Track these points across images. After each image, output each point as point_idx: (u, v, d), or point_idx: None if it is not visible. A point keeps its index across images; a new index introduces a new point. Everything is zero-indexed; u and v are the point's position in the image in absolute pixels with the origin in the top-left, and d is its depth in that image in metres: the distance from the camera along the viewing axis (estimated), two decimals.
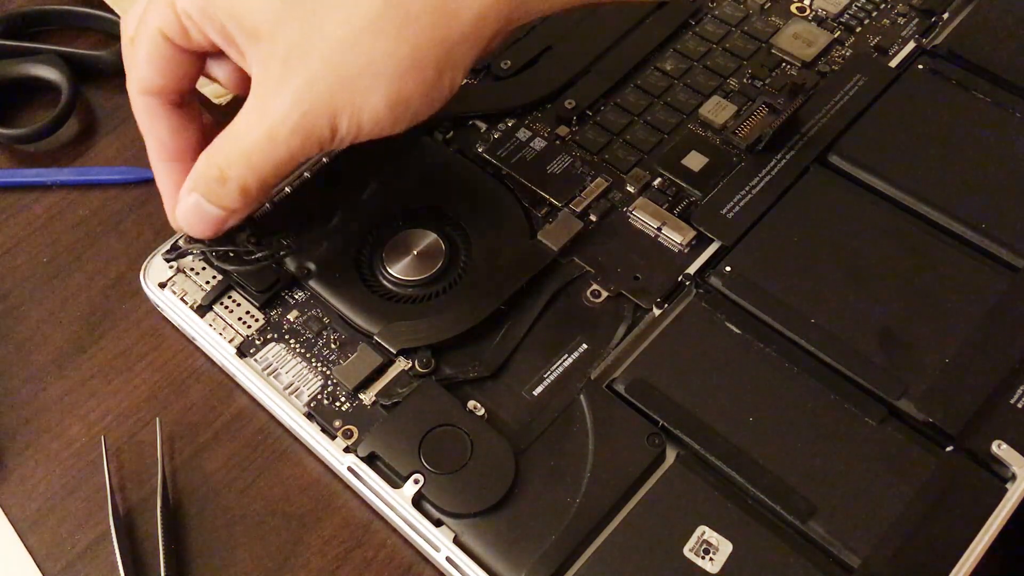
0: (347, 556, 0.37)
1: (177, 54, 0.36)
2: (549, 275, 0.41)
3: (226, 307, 0.41)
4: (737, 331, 0.39)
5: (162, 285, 0.42)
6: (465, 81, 0.48)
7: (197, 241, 0.42)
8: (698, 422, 0.37)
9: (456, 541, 0.35)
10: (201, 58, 0.37)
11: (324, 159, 0.45)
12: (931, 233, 0.42)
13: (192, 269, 0.42)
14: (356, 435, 0.38)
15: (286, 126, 0.33)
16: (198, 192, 0.36)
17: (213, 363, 0.41)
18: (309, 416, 0.38)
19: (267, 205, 0.43)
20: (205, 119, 0.39)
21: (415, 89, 0.33)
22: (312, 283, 0.41)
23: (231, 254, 0.41)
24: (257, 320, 0.41)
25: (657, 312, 0.40)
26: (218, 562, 0.37)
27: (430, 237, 0.42)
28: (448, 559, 0.35)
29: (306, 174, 0.44)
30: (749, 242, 0.42)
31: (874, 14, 0.51)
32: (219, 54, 0.37)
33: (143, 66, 0.37)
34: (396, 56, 0.32)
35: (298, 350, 0.40)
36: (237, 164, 0.35)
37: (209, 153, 0.36)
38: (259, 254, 0.41)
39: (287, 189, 0.44)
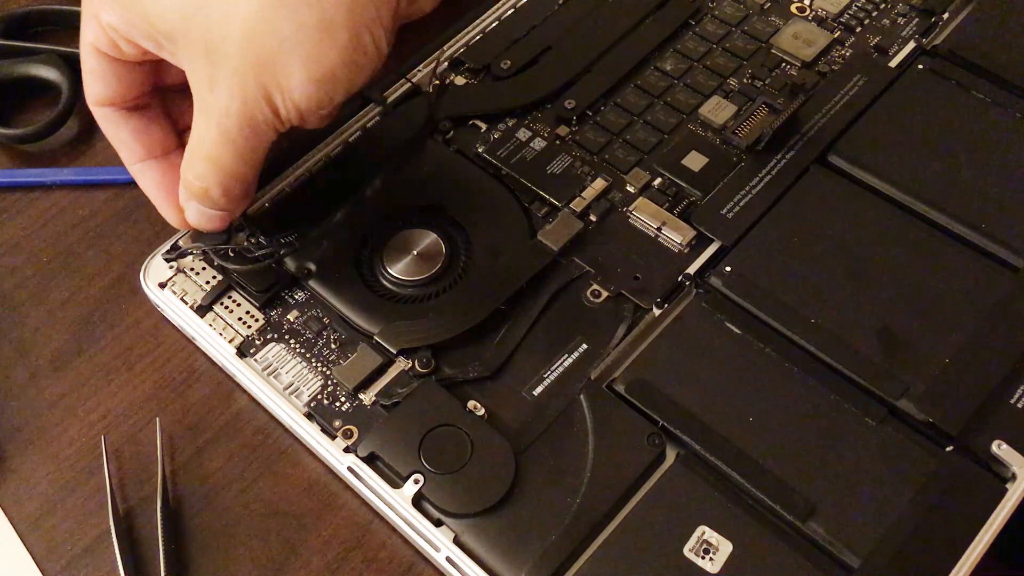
0: (347, 556, 0.37)
1: (116, 66, 0.37)
2: (549, 275, 0.41)
3: (226, 307, 0.41)
4: (737, 331, 0.39)
5: (162, 285, 0.42)
6: (465, 81, 0.48)
7: (197, 241, 0.42)
8: (698, 422, 0.37)
9: (456, 541, 0.35)
10: (147, 66, 0.37)
11: (324, 159, 0.45)
12: (931, 233, 0.42)
13: (192, 269, 0.42)
14: (356, 435, 0.38)
15: (232, 121, 0.34)
16: (192, 200, 0.37)
17: (213, 363, 0.41)
18: (309, 416, 0.38)
19: (267, 205, 0.43)
20: None
21: (335, 57, 0.33)
22: (312, 283, 0.41)
23: (232, 252, 0.41)
24: (257, 320, 0.41)
25: (657, 312, 0.40)
26: (218, 562, 0.37)
27: (430, 237, 0.42)
28: (448, 559, 0.35)
29: (306, 174, 0.44)
30: (749, 242, 0.42)
31: (874, 14, 0.51)
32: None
33: (88, 79, 0.38)
34: (305, 26, 0.32)
35: (298, 350, 0.40)
36: (207, 172, 0.35)
37: (183, 167, 0.36)
38: (260, 252, 0.41)
39: (287, 189, 0.44)
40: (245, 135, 0.34)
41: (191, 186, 0.36)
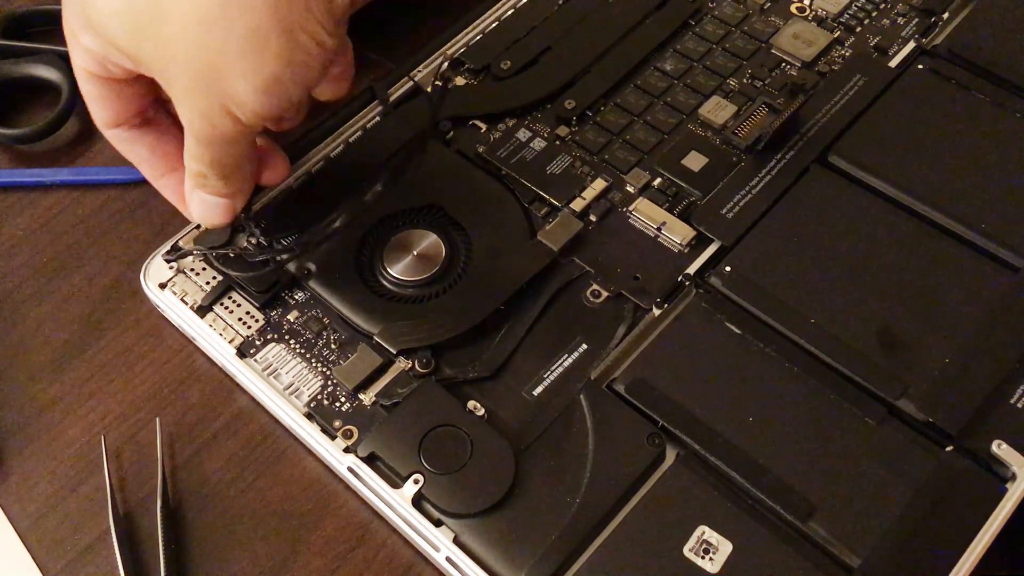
0: (347, 556, 0.37)
1: (111, 85, 0.37)
2: (549, 275, 0.41)
3: (226, 307, 0.41)
4: (737, 331, 0.39)
5: (162, 286, 0.42)
6: (465, 81, 0.48)
7: (198, 242, 0.42)
8: (698, 422, 0.37)
9: (456, 541, 0.35)
10: (141, 81, 0.37)
11: (324, 159, 0.45)
12: (931, 233, 0.42)
13: (192, 270, 0.42)
14: (356, 435, 0.38)
15: (200, 133, 0.34)
16: (195, 188, 0.37)
17: (213, 363, 0.41)
18: (309, 416, 0.38)
19: (267, 205, 0.43)
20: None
21: (274, 62, 0.32)
22: (312, 283, 0.41)
23: (232, 256, 0.41)
24: (257, 320, 0.41)
25: (657, 312, 0.40)
26: (218, 562, 0.37)
27: (430, 237, 0.42)
28: (448, 559, 0.35)
29: (306, 174, 0.44)
30: (749, 242, 0.42)
31: (874, 14, 0.51)
32: None
33: (90, 105, 0.38)
34: (237, 38, 0.32)
35: (298, 350, 0.40)
36: (200, 163, 0.36)
37: (185, 156, 0.37)
38: (260, 257, 0.41)
39: (287, 189, 0.44)
40: (216, 142, 0.35)
41: (190, 171, 0.37)
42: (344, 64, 0.38)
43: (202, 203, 0.38)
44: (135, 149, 0.39)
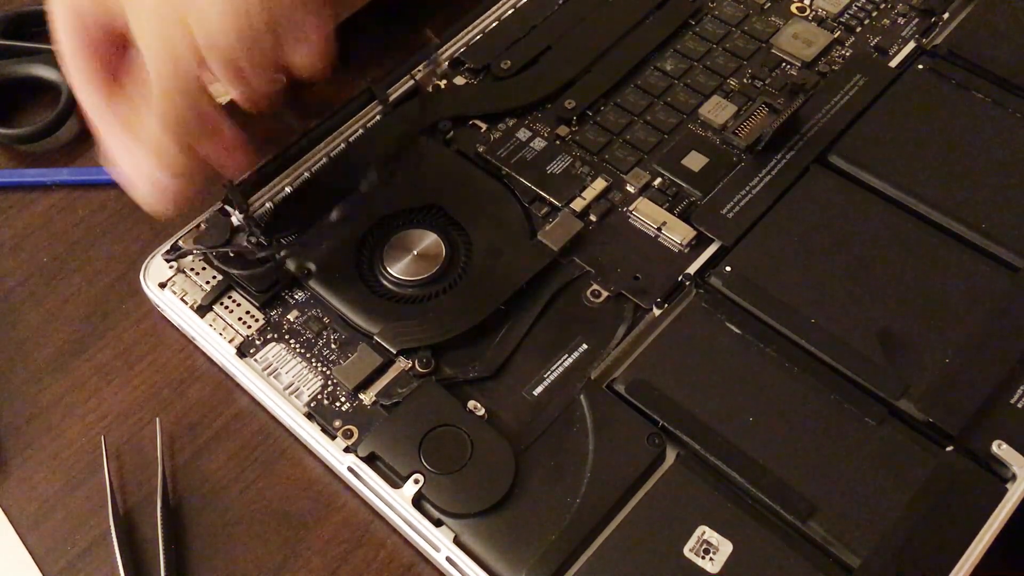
0: (347, 556, 0.37)
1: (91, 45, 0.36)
2: (549, 275, 0.41)
3: (226, 307, 0.41)
4: (737, 331, 0.39)
5: (162, 285, 0.42)
6: (465, 81, 0.48)
7: (198, 242, 0.42)
8: (698, 422, 0.37)
9: (456, 541, 0.35)
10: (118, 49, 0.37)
11: (324, 159, 0.45)
12: (931, 233, 0.42)
13: (192, 269, 0.42)
14: (356, 435, 0.38)
15: (157, 53, 0.34)
16: (148, 156, 0.36)
17: (213, 363, 0.41)
18: (309, 416, 0.38)
19: (268, 204, 0.43)
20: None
21: None
22: (312, 283, 0.41)
23: (232, 255, 0.41)
24: (257, 320, 0.41)
25: (657, 312, 0.40)
26: (218, 562, 0.37)
27: (430, 237, 0.42)
28: (448, 559, 0.35)
29: (306, 174, 0.44)
30: (749, 242, 0.42)
31: (874, 14, 0.51)
32: None
33: (69, 60, 0.37)
34: None
35: (298, 350, 0.40)
36: (156, 109, 0.35)
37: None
38: (260, 255, 0.41)
39: (287, 189, 0.44)
40: (173, 73, 0.34)
41: (145, 134, 0.36)
42: (319, 38, 0.37)
43: (152, 182, 0.37)
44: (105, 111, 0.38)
